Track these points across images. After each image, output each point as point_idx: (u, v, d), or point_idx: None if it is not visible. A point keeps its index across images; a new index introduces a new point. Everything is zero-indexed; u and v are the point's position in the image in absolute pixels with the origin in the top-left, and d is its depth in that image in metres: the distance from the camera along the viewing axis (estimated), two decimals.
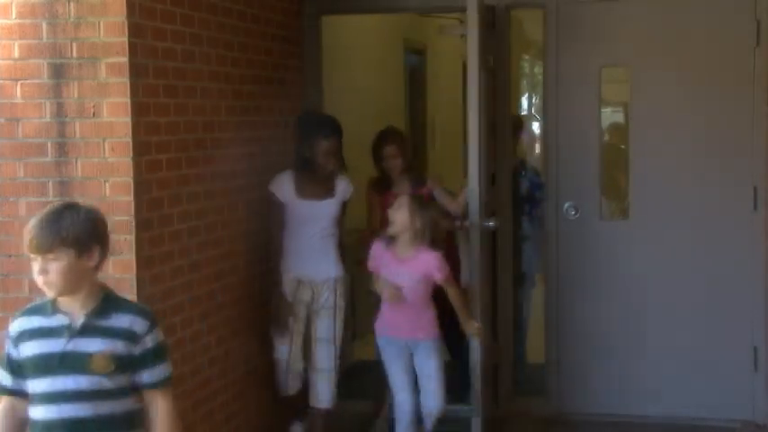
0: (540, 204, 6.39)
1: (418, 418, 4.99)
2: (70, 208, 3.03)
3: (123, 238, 4.02)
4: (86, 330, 2.99)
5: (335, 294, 5.26)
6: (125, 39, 3.98)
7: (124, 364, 3.00)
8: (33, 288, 3.41)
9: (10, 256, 4.10)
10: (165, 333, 4.21)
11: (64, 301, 3.02)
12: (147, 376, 3.06)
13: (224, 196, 4.88)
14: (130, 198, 4.03)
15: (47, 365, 2.98)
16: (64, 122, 4.04)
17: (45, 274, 2.96)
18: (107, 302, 3.05)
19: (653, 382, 5.90)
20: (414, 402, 4.95)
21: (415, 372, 4.98)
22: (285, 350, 5.19)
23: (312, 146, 5.16)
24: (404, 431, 4.94)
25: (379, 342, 5.07)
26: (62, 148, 4.05)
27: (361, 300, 6.09)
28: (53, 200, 3.91)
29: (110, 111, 4.01)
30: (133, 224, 4.03)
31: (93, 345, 2.98)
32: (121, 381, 3.02)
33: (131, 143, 4.02)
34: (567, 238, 6.00)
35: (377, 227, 5.41)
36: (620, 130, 6.51)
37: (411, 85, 9.44)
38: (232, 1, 4.97)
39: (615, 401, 5.95)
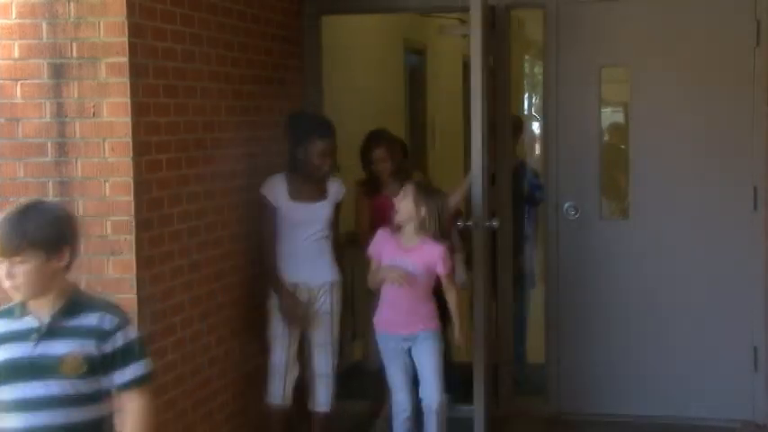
0: (539, 204, 6.40)
1: (418, 416, 4.98)
2: (36, 207, 2.90)
3: (123, 238, 4.03)
4: (54, 332, 2.86)
5: (332, 298, 5.20)
6: (125, 39, 3.98)
7: (95, 365, 2.86)
8: None
9: None
10: (165, 333, 4.29)
11: (33, 303, 2.88)
12: (118, 376, 2.91)
13: (224, 196, 4.88)
14: (130, 198, 4.03)
15: (17, 371, 2.85)
16: (64, 122, 4.04)
17: (12, 278, 2.81)
18: (76, 302, 2.91)
19: (653, 382, 5.90)
20: (412, 402, 4.93)
21: (413, 370, 4.96)
22: (281, 356, 5.10)
23: (307, 147, 5.07)
24: (400, 430, 4.93)
25: (378, 340, 5.06)
26: (62, 148, 4.05)
27: (360, 300, 6.09)
28: (53, 200, 3.92)
29: (110, 111, 4.01)
30: (133, 224, 4.03)
31: (62, 346, 2.84)
32: (93, 384, 2.88)
33: (131, 143, 4.02)
34: (567, 238, 5.99)
35: (366, 229, 5.38)
36: (620, 130, 6.51)
37: (411, 85, 9.41)
38: (232, 1, 4.97)
39: (615, 401, 5.95)
